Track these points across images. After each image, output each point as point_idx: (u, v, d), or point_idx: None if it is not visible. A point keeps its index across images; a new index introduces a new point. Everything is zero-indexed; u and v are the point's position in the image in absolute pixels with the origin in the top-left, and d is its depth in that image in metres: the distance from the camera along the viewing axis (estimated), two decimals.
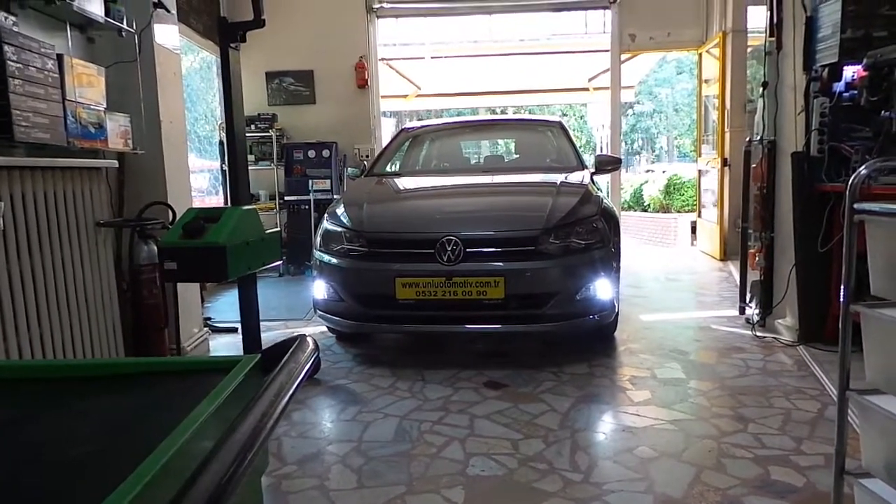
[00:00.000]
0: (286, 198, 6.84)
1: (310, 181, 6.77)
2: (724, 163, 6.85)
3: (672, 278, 6.02)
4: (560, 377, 3.27)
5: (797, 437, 2.47)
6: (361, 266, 3.48)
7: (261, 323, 4.80)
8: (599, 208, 3.61)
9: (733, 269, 6.19)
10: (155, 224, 3.27)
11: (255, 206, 3.04)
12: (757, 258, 4.05)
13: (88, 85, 2.96)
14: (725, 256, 6.88)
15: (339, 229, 3.63)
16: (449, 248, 3.31)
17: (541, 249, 3.34)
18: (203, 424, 0.85)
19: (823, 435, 2.48)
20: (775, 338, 3.78)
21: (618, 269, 3.63)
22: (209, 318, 4.58)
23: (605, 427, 2.65)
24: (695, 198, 10.09)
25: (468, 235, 3.35)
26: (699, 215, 7.94)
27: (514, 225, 3.46)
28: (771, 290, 3.99)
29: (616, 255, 3.60)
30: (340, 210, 3.78)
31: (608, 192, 7.83)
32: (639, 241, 10.36)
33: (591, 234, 3.45)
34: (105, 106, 3.07)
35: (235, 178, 3.00)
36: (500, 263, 3.31)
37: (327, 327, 3.96)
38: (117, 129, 3.16)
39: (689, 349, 3.69)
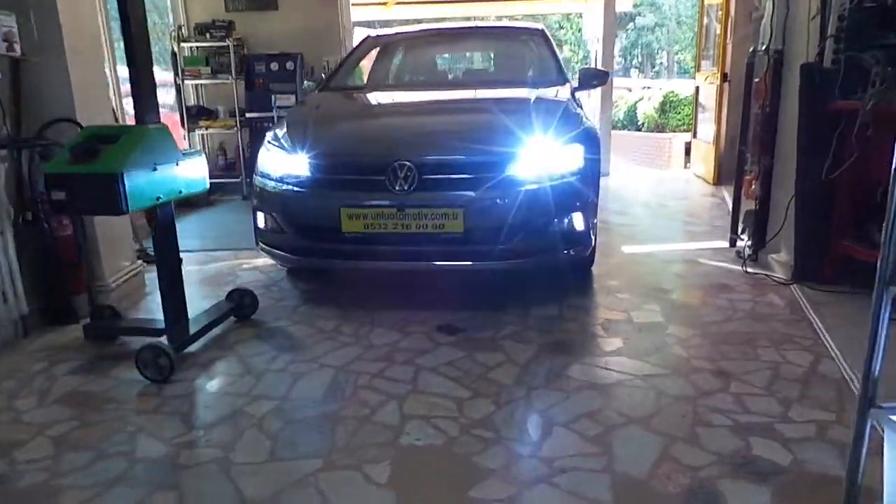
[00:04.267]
0: (247, 114, 6.29)
1: (272, 96, 6.20)
2: (724, 78, 6.29)
3: (661, 204, 5.61)
4: (525, 320, 2.92)
5: (785, 400, 2.14)
6: (303, 194, 3.04)
7: (212, 252, 4.44)
8: (578, 129, 3.15)
9: (727, 194, 5.77)
10: (56, 145, 2.81)
11: (163, 124, 2.57)
12: (753, 186, 3.63)
13: None
14: (719, 181, 6.44)
15: (280, 152, 3.17)
16: (401, 175, 2.87)
17: (506, 177, 2.90)
18: None
19: (815, 396, 2.16)
20: (767, 275, 3.42)
21: (596, 198, 3.21)
22: (148, 249, 4.17)
23: (566, 384, 2.31)
24: (691, 117, 9.52)
25: (423, 160, 2.90)
26: (694, 135, 7.43)
27: (476, 149, 3.00)
28: (766, 222, 3.59)
29: (594, 183, 3.16)
30: (282, 131, 3.30)
31: (601, 109, 7.30)
32: (630, 161, 9.87)
33: (566, 159, 3.01)
34: None
35: (138, 89, 2.51)
36: (460, 193, 2.88)
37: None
38: None
39: (671, 287, 3.33)
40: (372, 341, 2.74)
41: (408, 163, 2.87)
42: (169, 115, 6.60)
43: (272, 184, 3.15)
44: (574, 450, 1.89)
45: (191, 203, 5.92)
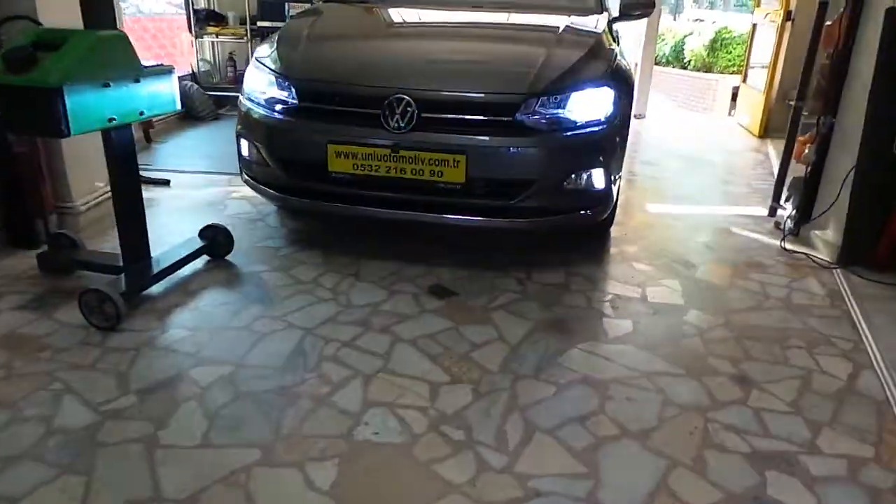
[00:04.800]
0: (259, 23, 5.82)
1: (286, 4, 5.72)
2: (788, 16, 5.60)
3: (698, 156, 5.11)
4: (525, 287, 2.60)
5: (813, 423, 1.81)
6: (288, 124, 2.68)
7: (208, 174, 4.14)
8: (609, 68, 2.70)
9: (772, 151, 5.26)
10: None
11: (120, 32, 2.19)
12: (807, 149, 3.16)
13: None
14: (766, 134, 5.88)
15: (266, 72, 2.79)
16: (398, 110, 2.48)
17: (520, 121, 2.50)
18: None
19: (850, 420, 1.82)
20: (808, 255, 3.01)
21: (623, 151, 2.80)
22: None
23: (559, 374, 2.00)
24: (743, 58, 8.74)
25: (425, 94, 2.50)
26: (744, 80, 6.78)
27: (488, 84, 2.58)
28: (815, 193, 3.15)
29: (622, 134, 2.74)
30: (272, 47, 2.90)
31: (644, 43, 6.64)
32: (671, 102, 9.19)
33: (590, 105, 2.58)
34: None
35: None
36: (464, 136, 2.49)
37: None
38: None
39: (696, 260, 2.96)
40: (351, 299, 2.45)
41: (406, 97, 2.48)
42: (173, 18, 6.15)
43: (257, 108, 2.78)
44: (555, 467, 1.60)
45: (195, 116, 5.58)
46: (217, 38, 6.18)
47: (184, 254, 2.62)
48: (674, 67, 10.14)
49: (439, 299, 2.47)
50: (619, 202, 3.06)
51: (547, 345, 2.17)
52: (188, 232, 2.79)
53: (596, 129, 2.58)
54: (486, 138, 2.49)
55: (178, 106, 2.49)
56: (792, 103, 5.69)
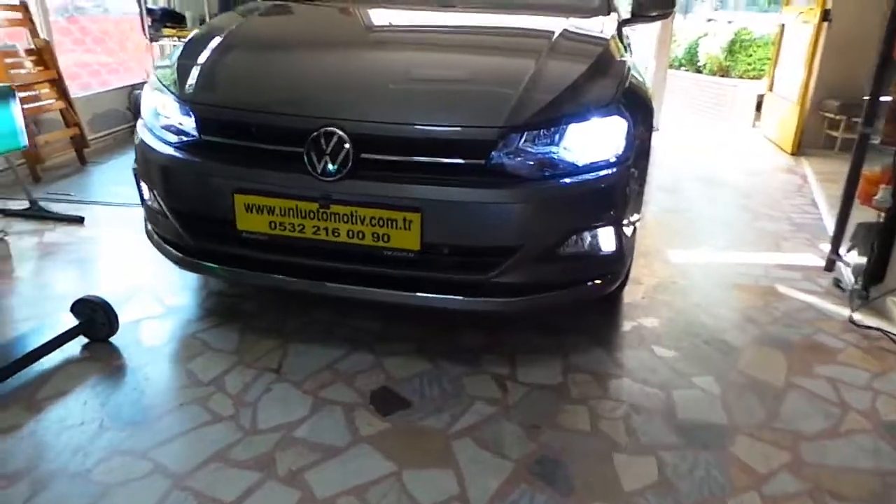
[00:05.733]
0: None
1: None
2: (825, 16, 4.85)
3: (722, 180, 4.36)
4: (506, 394, 1.87)
5: None
6: (186, 165, 1.96)
7: (137, 207, 3.42)
8: (621, 88, 1.97)
9: (810, 173, 4.51)
10: None
11: None
12: (880, 192, 2.42)
13: None
14: (799, 150, 5.13)
15: (162, 93, 2.08)
16: (328, 149, 1.77)
17: (497, 164, 1.78)
18: None
19: None
20: (887, 333, 2.28)
21: (640, 196, 2.09)
22: (36, 201, 3.16)
23: None
24: (764, 61, 7.96)
25: (363, 127, 1.79)
26: (771, 87, 6.02)
27: (453, 113, 1.85)
28: (891, 246, 2.42)
29: (639, 177, 2.02)
30: (173, 60, 2.19)
31: (657, 47, 5.90)
32: (685, 109, 8.43)
33: (596, 140, 1.86)
34: None
35: None
36: (418, 187, 1.77)
37: None
38: None
39: (737, 341, 2.22)
40: (258, 418, 1.73)
41: (338, 130, 1.76)
42: (129, 17, 5.44)
43: (152, 140, 2.07)
44: None
45: None
46: (177, 40, 5.48)
47: (42, 341, 1.92)
48: (687, 71, 9.38)
49: (383, 417, 1.75)
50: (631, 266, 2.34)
51: None
52: (81, 294, 2.08)
53: (603, 172, 1.86)
54: (451, 189, 1.77)
55: (23, 142, 1.79)
56: (829, 115, 4.97)
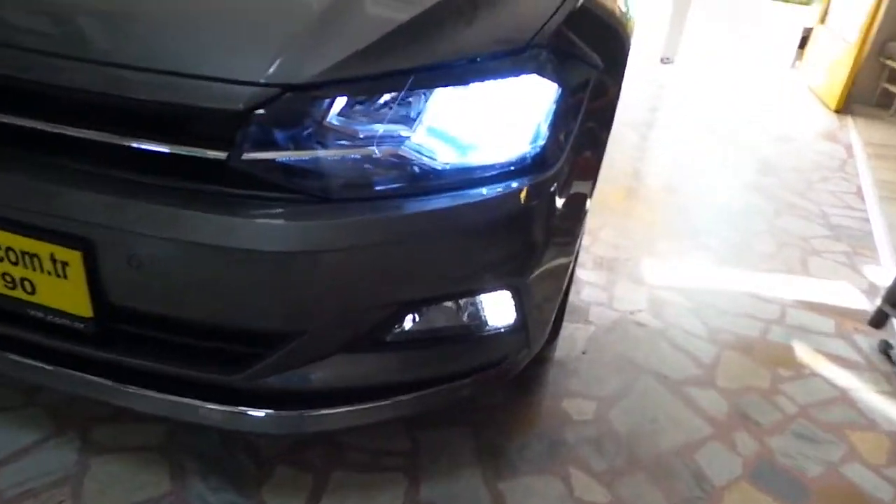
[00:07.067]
0: None
1: None
2: None
3: (740, 143, 3.33)
4: None
5: None
6: None
7: None
8: (555, 16, 0.97)
9: (856, 140, 3.48)
10: None
11: None
12: None
13: None
14: (846, 108, 4.05)
15: None
16: None
17: (254, 164, 0.82)
18: None
19: None
20: None
21: (576, 221, 1.15)
22: None
23: None
24: None
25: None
26: (822, 19, 4.82)
27: (166, 53, 0.84)
28: None
29: (579, 190, 1.07)
30: None
31: None
32: (713, 32, 7.11)
33: (489, 123, 0.89)
34: None
35: None
36: (86, 195, 0.82)
37: None
38: None
39: (721, 475, 1.33)
40: None
41: None
42: None
43: None
44: None
45: None
46: None
47: None
48: None
49: None
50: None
51: None
52: None
53: (498, 187, 0.91)
54: (153, 208, 0.82)
55: None
56: (893, 64, 3.88)
